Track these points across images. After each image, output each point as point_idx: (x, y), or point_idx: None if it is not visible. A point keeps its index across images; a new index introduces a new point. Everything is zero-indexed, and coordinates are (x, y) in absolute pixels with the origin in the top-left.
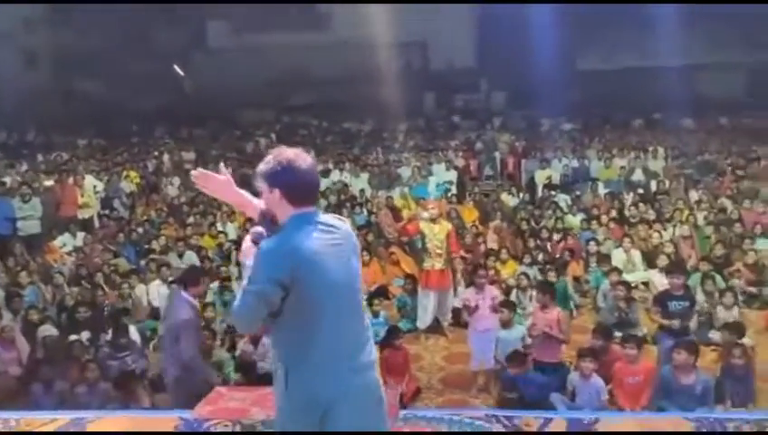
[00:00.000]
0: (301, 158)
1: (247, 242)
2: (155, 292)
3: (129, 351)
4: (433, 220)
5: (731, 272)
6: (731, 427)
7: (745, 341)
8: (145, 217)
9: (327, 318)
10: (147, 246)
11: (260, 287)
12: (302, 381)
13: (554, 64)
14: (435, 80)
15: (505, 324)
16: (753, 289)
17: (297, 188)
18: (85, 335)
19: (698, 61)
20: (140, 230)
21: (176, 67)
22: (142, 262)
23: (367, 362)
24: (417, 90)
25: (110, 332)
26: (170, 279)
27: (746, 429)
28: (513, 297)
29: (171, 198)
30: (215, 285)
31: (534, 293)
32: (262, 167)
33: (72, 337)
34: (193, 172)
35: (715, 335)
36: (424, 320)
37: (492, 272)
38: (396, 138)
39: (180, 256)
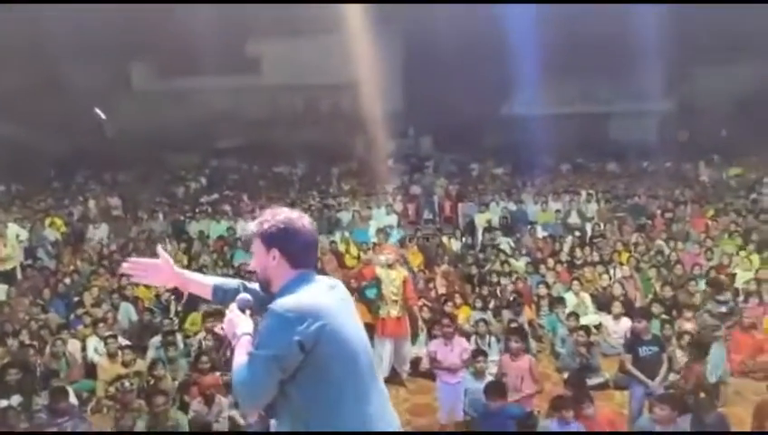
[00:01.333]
0: (301, 218)
1: (233, 311)
2: (91, 348)
3: (68, 416)
4: (389, 266)
5: (679, 314)
6: None
7: None
8: (72, 267)
9: (347, 383)
10: (77, 299)
11: (276, 352)
12: None
13: (479, 109)
14: (365, 123)
15: (479, 374)
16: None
17: (299, 249)
18: (16, 400)
19: (615, 108)
20: (68, 281)
21: (97, 110)
22: (72, 316)
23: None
24: (348, 133)
25: (43, 395)
26: (107, 335)
27: None
28: (471, 344)
29: (100, 245)
30: (156, 339)
31: (492, 340)
32: (258, 227)
33: (2, 403)
34: (123, 265)
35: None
36: (381, 369)
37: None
38: (330, 181)
39: (115, 307)
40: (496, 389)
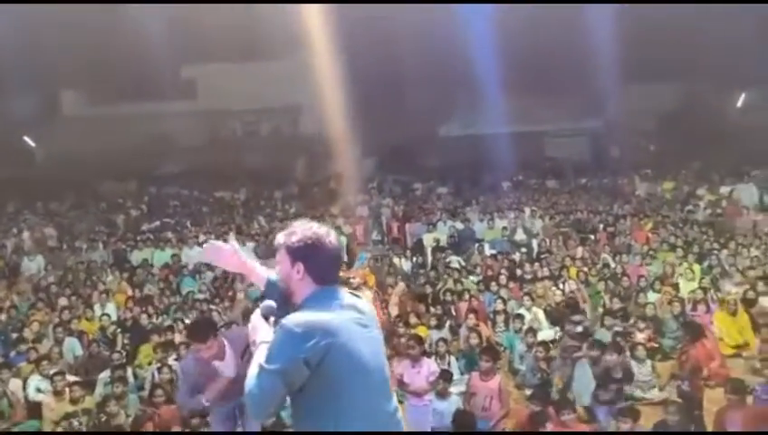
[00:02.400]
0: (328, 234)
1: (257, 317)
2: (33, 387)
3: None
4: (355, 289)
5: (631, 326)
6: None
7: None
8: (9, 303)
9: (356, 401)
10: (16, 335)
11: (282, 367)
12: None
13: (419, 130)
14: (306, 146)
15: (442, 395)
16: (653, 344)
17: (324, 265)
18: None
19: (549, 127)
20: (4, 317)
21: (26, 138)
22: (12, 353)
23: None
24: (289, 156)
25: None
26: (53, 372)
27: None
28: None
29: (36, 278)
30: (105, 374)
31: (452, 359)
32: (285, 239)
33: None
34: (205, 245)
35: (633, 391)
36: None
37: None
38: (274, 205)
39: (59, 342)
40: (464, 420)
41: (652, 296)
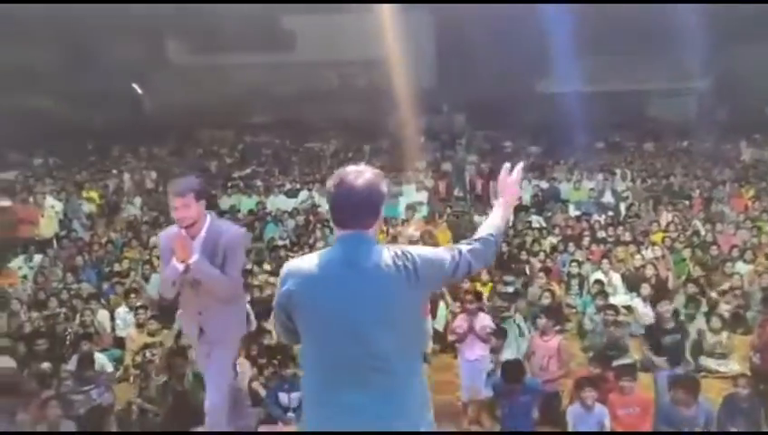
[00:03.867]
0: (354, 175)
1: None
2: (120, 319)
3: (94, 384)
4: (412, 241)
5: (717, 295)
6: None
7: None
8: (106, 239)
9: (321, 362)
10: (109, 269)
11: (275, 306)
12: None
13: (513, 86)
14: (398, 100)
15: (495, 351)
16: (740, 311)
17: (335, 208)
18: (45, 366)
19: (653, 86)
20: (101, 252)
21: (134, 85)
22: (105, 285)
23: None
24: (381, 109)
25: (71, 362)
26: (139, 304)
27: None
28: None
29: (133, 218)
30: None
31: (518, 316)
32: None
33: (33, 367)
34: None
35: (706, 362)
36: None
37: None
38: (362, 158)
39: (146, 279)
40: (514, 369)
41: (743, 267)
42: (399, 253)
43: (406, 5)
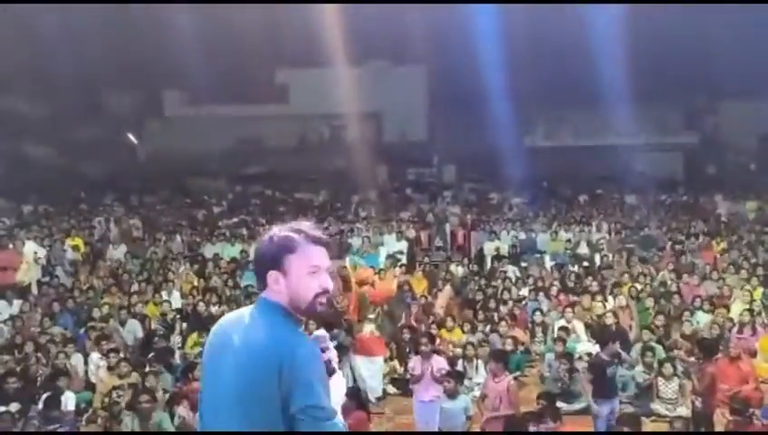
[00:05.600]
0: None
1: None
2: (93, 363)
3: (60, 423)
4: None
5: (671, 344)
6: None
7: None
8: (88, 285)
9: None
10: (87, 315)
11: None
12: None
13: (502, 140)
14: (388, 152)
15: (450, 394)
16: (692, 359)
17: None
18: (14, 407)
19: (639, 141)
20: (82, 298)
21: (129, 135)
22: (81, 331)
23: None
24: (370, 161)
25: (40, 404)
26: (108, 348)
27: None
28: (459, 367)
29: (116, 265)
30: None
31: (480, 362)
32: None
33: (1, 408)
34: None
35: (656, 406)
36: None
37: (438, 341)
38: (348, 208)
39: (122, 323)
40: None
41: (703, 317)
42: (282, 345)
43: (399, 61)
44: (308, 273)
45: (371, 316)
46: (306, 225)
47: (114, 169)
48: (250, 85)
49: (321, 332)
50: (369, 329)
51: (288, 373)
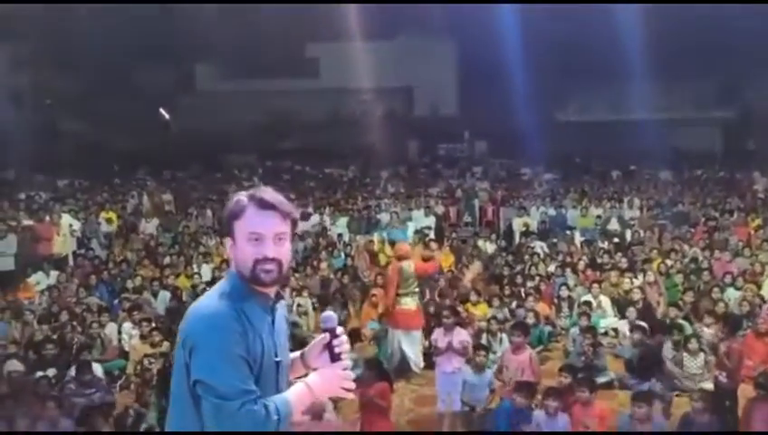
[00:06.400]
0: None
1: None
2: (126, 333)
3: (95, 388)
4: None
5: (699, 320)
6: None
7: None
8: (122, 258)
9: None
10: (121, 286)
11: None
12: None
13: (534, 115)
14: (418, 127)
15: (478, 368)
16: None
17: None
18: (51, 372)
19: (676, 115)
20: (116, 270)
21: (161, 110)
22: (115, 301)
23: None
24: (400, 136)
25: (73, 370)
26: (140, 318)
27: None
28: (483, 341)
29: (148, 238)
30: None
31: (504, 336)
32: (293, 210)
33: (39, 374)
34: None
35: (681, 382)
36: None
37: (465, 315)
38: (378, 184)
39: (155, 295)
40: (525, 389)
41: (733, 293)
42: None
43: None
44: (248, 240)
45: (412, 290)
46: (264, 189)
47: (147, 144)
48: (281, 59)
49: (328, 313)
50: (407, 302)
51: (188, 344)
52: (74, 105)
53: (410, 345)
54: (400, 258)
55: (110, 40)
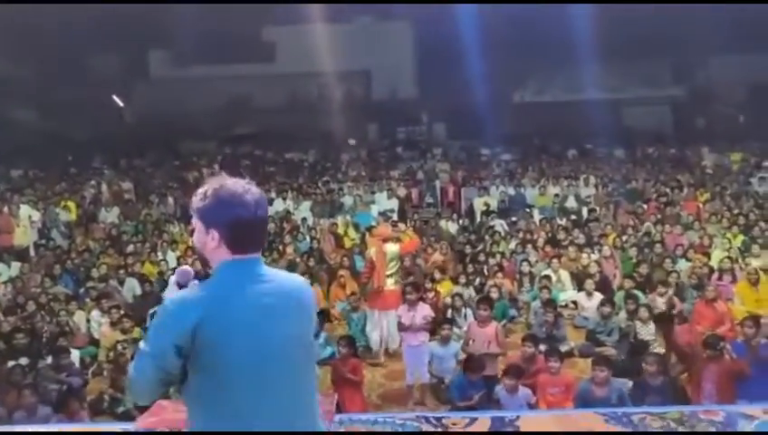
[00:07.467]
0: (246, 193)
1: (171, 285)
2: (95, 321)
3: (69, 372)
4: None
5: (653, 290)
6: (636, 419)
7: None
8: (84, 247)
9: (244, 390)
10: (85, 275)
11: (152, 350)
12: None
13: (492, 97)
14: (377, 110)
15: (444, 341)
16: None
17: (239, 231)
18: (24, 361)
19: (628, 95)
20: (79, 260)
21: (114, 97)
22: (81, 290)
23: None
24: (360, 120)
25: (48, 358)
26: (109, 305)
27: (649, 419)
28: (448, 316)
29: (110, 227)
30: (153, 310)
31: (468, 311)
32: (197, 201)
33: (10, 363)
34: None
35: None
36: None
37: (431, 293)
38: (339, 168)
39: (121, 283)
40: (474, 364)
41: (684, 264)
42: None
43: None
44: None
45: (395, 271)
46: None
47: (101, 132)
48: (236, 44)
49: (185, 267)
50: (390, 283)
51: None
52: (24, 93)
53: (389, 325)
54: (385, 241)
55: (62, 27)
